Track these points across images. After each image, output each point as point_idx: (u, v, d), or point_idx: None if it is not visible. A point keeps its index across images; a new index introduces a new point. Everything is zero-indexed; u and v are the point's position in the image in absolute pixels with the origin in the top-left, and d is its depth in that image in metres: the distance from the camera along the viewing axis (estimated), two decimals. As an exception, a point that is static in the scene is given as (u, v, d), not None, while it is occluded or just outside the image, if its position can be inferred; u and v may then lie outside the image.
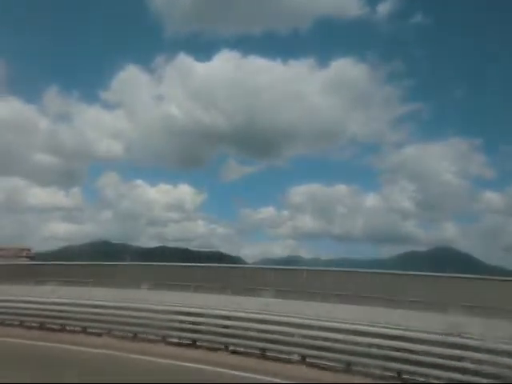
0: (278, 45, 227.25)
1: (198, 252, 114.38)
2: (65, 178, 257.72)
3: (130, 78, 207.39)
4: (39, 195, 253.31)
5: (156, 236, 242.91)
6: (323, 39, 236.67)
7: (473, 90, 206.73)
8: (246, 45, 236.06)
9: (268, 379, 8.61)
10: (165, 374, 8.86)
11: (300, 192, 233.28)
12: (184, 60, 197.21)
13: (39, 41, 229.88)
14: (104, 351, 10.70)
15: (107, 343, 11.56)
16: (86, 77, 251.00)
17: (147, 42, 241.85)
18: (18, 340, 12.07)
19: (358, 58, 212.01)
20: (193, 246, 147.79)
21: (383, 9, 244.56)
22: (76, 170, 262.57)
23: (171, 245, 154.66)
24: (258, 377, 8.72)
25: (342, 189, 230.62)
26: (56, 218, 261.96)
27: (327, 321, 9.67)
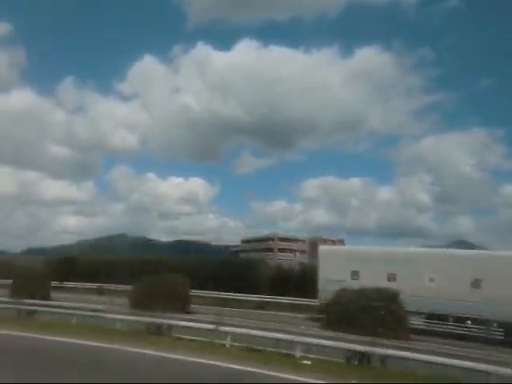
0: (302, 33, 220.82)
1: (218, 246, 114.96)
2: (78, 171, 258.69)
3: (147, 68, 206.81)
4: (52, 188, 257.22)
5: (167, 229, 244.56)
6: (350, 26, 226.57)
7: (501, 78, 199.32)
8: (269, 33, 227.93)
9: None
10: None
11: (313, 185, 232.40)
12: (202, 49, 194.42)
13: (54, 31, 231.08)
14: None
15: None
16: (102, 67, 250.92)
17: (165, 31, 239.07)
18: None
19: (384, 46, 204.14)
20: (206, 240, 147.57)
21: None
22: (89, 162, 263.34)
23: (184, 238, 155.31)
24: None
25: (356, 181, 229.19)
26: (68, 212, 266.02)
27: None
